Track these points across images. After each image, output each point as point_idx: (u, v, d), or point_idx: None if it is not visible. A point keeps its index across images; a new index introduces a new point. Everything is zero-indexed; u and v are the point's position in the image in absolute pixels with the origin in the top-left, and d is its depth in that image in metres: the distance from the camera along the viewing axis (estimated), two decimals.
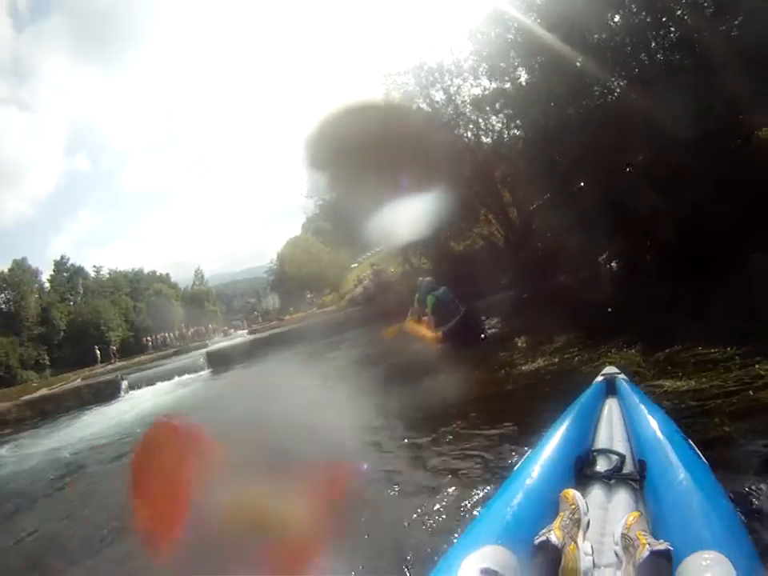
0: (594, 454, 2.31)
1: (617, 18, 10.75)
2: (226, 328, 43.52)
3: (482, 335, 9.12)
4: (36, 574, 4.29)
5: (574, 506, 1.75)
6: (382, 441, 4.96)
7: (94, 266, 55.22)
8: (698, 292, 7.25)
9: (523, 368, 6.24)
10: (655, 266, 10.84)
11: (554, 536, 1.58)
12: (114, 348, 34.65)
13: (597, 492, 2.05)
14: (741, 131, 9.79)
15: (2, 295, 44.78)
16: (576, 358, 5.84)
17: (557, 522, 1.67)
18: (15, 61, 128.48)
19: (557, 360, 6.07)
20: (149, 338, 38.08)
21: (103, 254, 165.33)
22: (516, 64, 13.02)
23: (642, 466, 2.09)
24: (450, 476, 3.68)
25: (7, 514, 5.97)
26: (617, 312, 7.50)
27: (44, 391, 20.05)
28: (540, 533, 1.62)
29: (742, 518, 1.78)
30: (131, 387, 17.27)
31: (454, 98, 16.71)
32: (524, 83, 13.21)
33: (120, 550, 3.97)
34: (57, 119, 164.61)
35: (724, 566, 1.39)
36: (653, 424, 2.34)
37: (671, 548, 1.49)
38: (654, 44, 10.52)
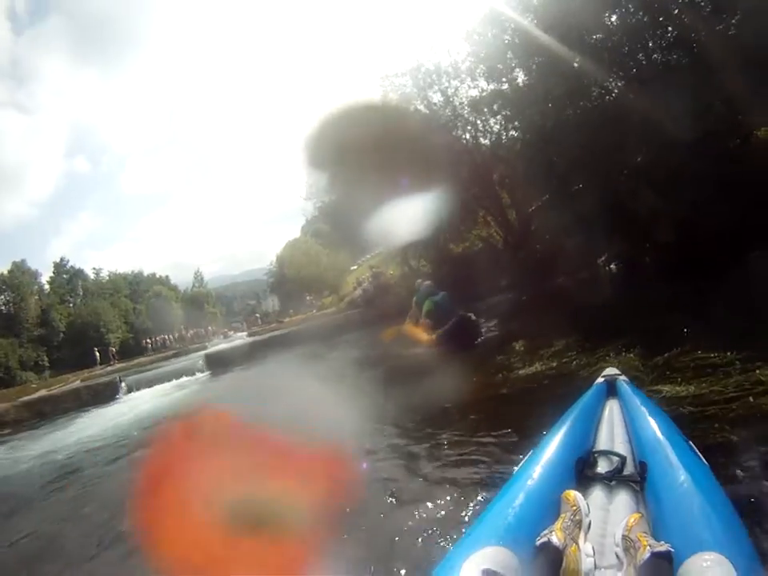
0: (595, 455, 2.32)
1: (614, 18, 10.75)
2: (225, 330, 43.58)
3: (477, 339, 9.14)
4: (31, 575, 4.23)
5: (575, 508, 1.76)
6: (382, 443, 4.92)
7: (94, 268, 55.43)
8: (698, 293, 7.24)
9: (520, 372, 6.20)
10: (655, 267, 10.81)
11: (556, 537, 1.58)
12: (114, 350, 34.73)
13: (598, 493, 2.06)
14: (740, 131, 9.78)
15: (2, 297, 44.91)
16: (574, 362, 5.79)
17: (558, 524, 1.67)
18: (14, 64, 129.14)
19: (555, 364, 6.02)
20: (148, 340, 38.13)
21: (103, 255, 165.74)
22: (513, 65, 13.00)
23: (642, 467, 2.09)
24: (451, 477, 3.67)
25: (3, 515, 5.92)
26: (616, 315, 7.45)
27: (43, 392, 20.00)
28: (541, 534, 1.63)
29: (743, 519, 1.75)
30: (130, 389, 17.20)
31: (451, 99, 16.72)
32: (521, 84, 13.20)
33: (117, 553, 3.91)
34: (56, 122, 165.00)
35: (725, 567, 1.40)
36: (653, 425, 2.35)
37: (672, 549, 1.49)
38: (651, 44, 10.50)
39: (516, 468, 2.25)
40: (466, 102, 16.39)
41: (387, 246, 23.37)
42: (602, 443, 2.48)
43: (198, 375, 17.49)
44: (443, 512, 3.17)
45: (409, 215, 14.37)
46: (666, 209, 9.82)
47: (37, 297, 47.11)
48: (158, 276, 60.46)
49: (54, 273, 51.26)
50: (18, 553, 4.61)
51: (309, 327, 21.15)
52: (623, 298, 9.21)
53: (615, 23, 10.69)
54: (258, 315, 47.21)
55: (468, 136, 17.26)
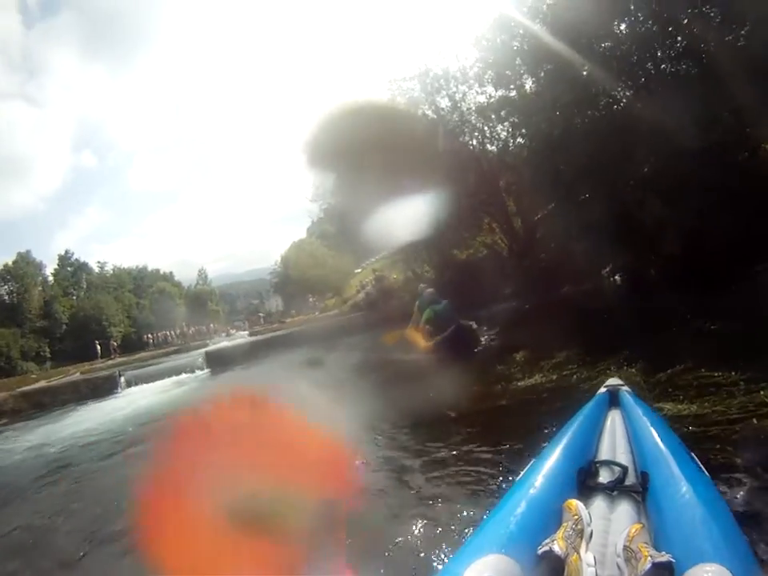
0: (597, 465, 2.31)
1: (623, 27, 10.66)
2: (228, 328, 43.76)
3: (475, 348, 9.26)
4: (19, 568, 4.19)
5: (576, 517, 1.76)
6: (382, 450, 4.91)
7: (99, 262, 55.54)
8: (703, 307, 7.16)
9: (520, 383, 6.17)
10: (659, 279, 10.73)
11: (557, 546, 1.58)
12: (115, 344, 34.75)
13: (599, 503, 2.05)
14: (748, 143, 9.71)
15: (6, 287, 45.11)
16: (575, 376, 5.76)
17: (560, 533, 1.66)
18: (24, 56, 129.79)
19: (555, 377, 5.99)
20: (150, 336, 38.20)
21: (108, 249, 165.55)
22: (522, 72, 12.92)
23: (644, 477, 2.08)
24: (451, 485, 3.67)
25: None
26: (619, 327, 7.36)
27: (42, 383, 20.14)
28: (543, 543, 1.63)
29: (744, 530, 1.74)
30: (129, 384, 17.29)
31: (459, 105, 16.66)
32: (529, 91, 13.15)
33: (105, 549, 3.96)
34: (64, 115, 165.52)
35: None
36: (655, 436, 2.35)
37: (673, 560, 1.49)
38: (660, 53, 10.42)
39: (518, 477, 2.23)
40: (473, 108, 16.32)
41: (391, 250, 23.39)
42: (603, 453, 2.47)
43: (198, 373, 17.54)
44: (444, 520, 3.16)
45: (413, 220, 14.35)
46: (673, 220, 9.76)
47: (40, 288, 47.28)
48: (162, 272, 60.58)
49: (58, 265, 51.48)
50: (6, 546, 4.59)
51: (310, 328, 21.21)
52: (627, 310, 9.12)
53: (625, 32, 10.60)
54: (261, 314, 47.22)
55: (475, 142, 17.20)
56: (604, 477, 2.21)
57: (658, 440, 2.30)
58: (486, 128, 16.61)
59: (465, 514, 3.17)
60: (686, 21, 9.76)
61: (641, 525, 1.76)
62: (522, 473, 2.24)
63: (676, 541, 1.62)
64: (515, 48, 12.41)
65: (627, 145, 9.91)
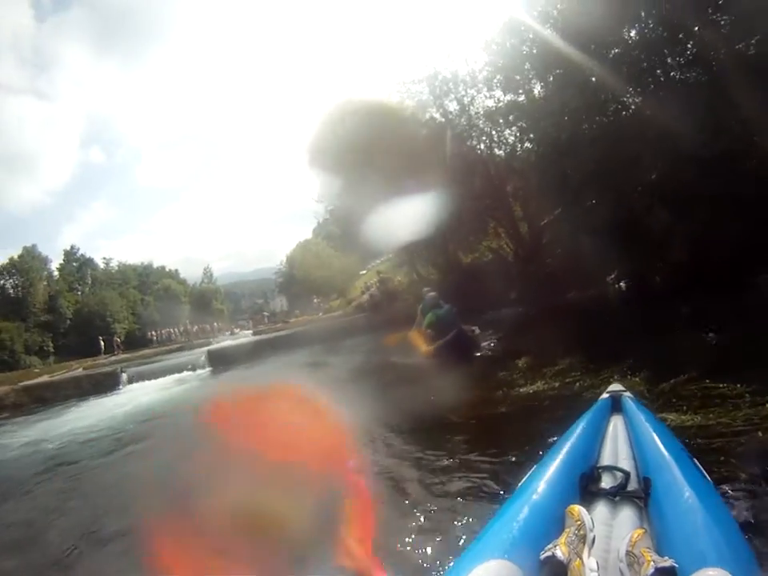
0: (599, 470, 2.29)
1: (633, 33, 10.64)
2: (232, 327, 43.88)
3: (474, 354, 9.24)
4: (12, 566, 4.16)
5: (579, 522, 1.75)
6: (381, 455, 4.86)
7: (104, 258, 55.94)
8: (708, 315, 7.12)
9: (521, 390, 6.13)
10: (664, 287, 10.68)
11: (560, 551, 1.57)
12: (119, 340, 34.70)
13: (601, 509, 2.04)
14: (756, 152, 9.65)
15: (11, 281, 45.29)
16: (577, 384, 5.73)
17: (562, 538, 1.66)
18: (35, 51, 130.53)
19: (557, 384, 5.96)
20: (153, 333, 38.23)
21: (114, 245, 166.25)
22: (530, 76, 12.92)
23: (646, 483, 2.08)
24: (453, 490, 3.64)
25: None
26: (623, 335, 7.31)
27: (45, 378, 20.10)
28: (546, 548, 1.62)
29: (746, 535, 1.76)
30: (130, 380, 17.27)
31: (467, 108, 16.59)
32: (538, 96, 13.14)
33: (101, 547, 3.94)
34: (74, 111, 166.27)
35: None
36: (658, 442, 2.35)
37: (676, 565, 1.49)
38: (670, 60, 10.40)
39: (520, 482, 2.21)
40: (481, 112, 16.27)
41: (396, 252, 23.40)
42: (606, 458, 2.46)
43: (200, 371, 17.49)
44: (446, 525, 3.14)
45: (418, 222, 14.32)
46: (680, 227, 9.72)
47: (45, 283, 47.52)
48: (167, 269, 60.88)
49: (63, 260, 51.81)
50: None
51: (314, 329, 21.18)
52: (631, 317, 9.07)
53: (635, 38, 10.58)
54: (266, 314, 47.22)
55: (482, 146, 17.17)
56: (606, 482, 2.20)
57: (661, 445, 2.30)
58: (493, 132, 16.58)
59: (466, 519, 3.14)
60: (696, 28, 9.71)
61: (643, 530, 1.75)
62: (524, 478, 2.23)
63: (679, 546, 1.62)
64: (524, 52, 12.40)
65: (635, 151, 9.88)
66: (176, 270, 61.89)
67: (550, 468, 2.17)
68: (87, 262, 53.21)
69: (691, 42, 10.08)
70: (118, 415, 10.83)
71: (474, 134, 16.95)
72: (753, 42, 9.33)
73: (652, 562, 1.50)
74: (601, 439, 2.65)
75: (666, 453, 2.21)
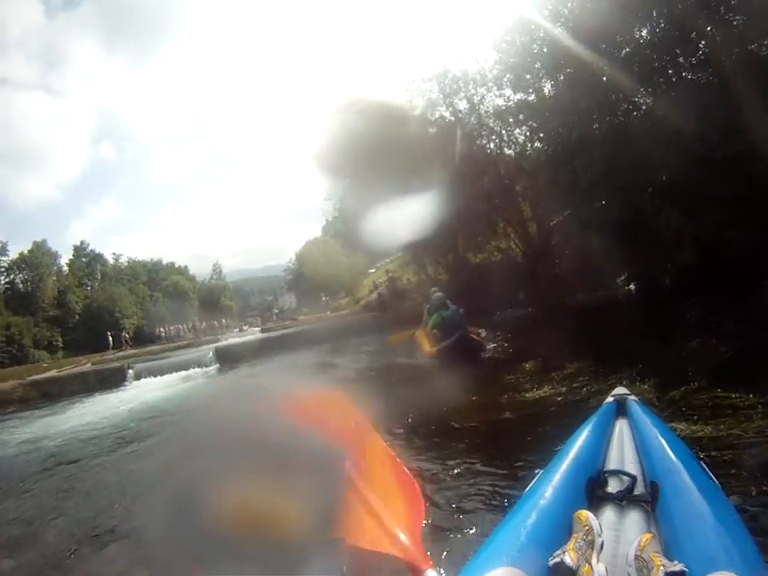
0: (606, 474, 2.29)
1: (644, 32, 10.54)
2: (241, 324, 44.11)
3: (476, 357, 9.20)
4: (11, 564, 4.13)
5: (587, 528, 1.75)
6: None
7: (114, 254, 56.44)
8: (719, 320, 7.03)
9: (527, 395, 6.07)
10: (674, 289, 10.58)
11: (569, 558, 1.56)
12: (127, 335, 34.79)
13: (608, 513, 2.04)
14: None
15: (21, 275, 45.69)
16: (585, 389, 5.65)
17: (571, 544, 1.65)
18: (45, 47, 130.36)
19: (564, 389, 5.89)
20: (162, 329, 38.31)
21: (124, 241, 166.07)
22: (541, 75, 12.85)
23: (653, 487, 2.07)
24: (458, 497, 3.57)
25: None
26: (633, 338, 7.22)
27: (53, 372, 20.26)
28: (554, 554, 1.60)
29: (755, 538, 1.71)
30: (137, 377, 17.33)
31: (477, 107, 16.53)
32: (548, 95, 13.09)
33: (105, 547, 3.91)
34: (84, 107, 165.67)
35: None
36: (664, 445, 2.34)
37: (686, 569, 1.49)
38: (682, 60, 10.29)
39: (526, 488, 2.19)
40: (491, 111, 16.21)
41: (405, 251, 23.38)
42: (612, 463, 2.46)
43: (206, 369, 17.53)
44: (452, 533, 3.09)
45: (427, 222, 14.26)
46: (691, 229, 9.63)
47: (55, 278, 48.00)
48: (177, 266, 61.27)
49: (73, 255, 52.33)
50: None
51: (321, 327, 21.18)
52: (641, 320, 8.99)
53: (646, 37, 10.48)
54: (276, 311, 47.35)
55: (492, 145, 17.15)
56: (613, 486, 2.20)
57: (667, 448, 2.29)
58: (503, 131, 16.55)
59: (473, 526, 3.11)
60: (708, 28, 9.60)
61: (651, 534, 1.74)
62: (530, 483, 2.20)
63: (687, 550, 1.61)
64: (535, 51, 12.33)
65: (646, 152, 9.76)
66: (185, 267, 62.41)
67: (557, 473, 2.16)
68: (97, 258, 53.67)
69: (703, 42, 9.97)
70: (122, 413, 10.86)
71: (483, 133, 16.91)
72: (766, 42, 9.23)
73: (662, 567, 1.49)
74: (606, 443, 2.64)
75: (672, 456, 2.20)
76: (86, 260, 52.66)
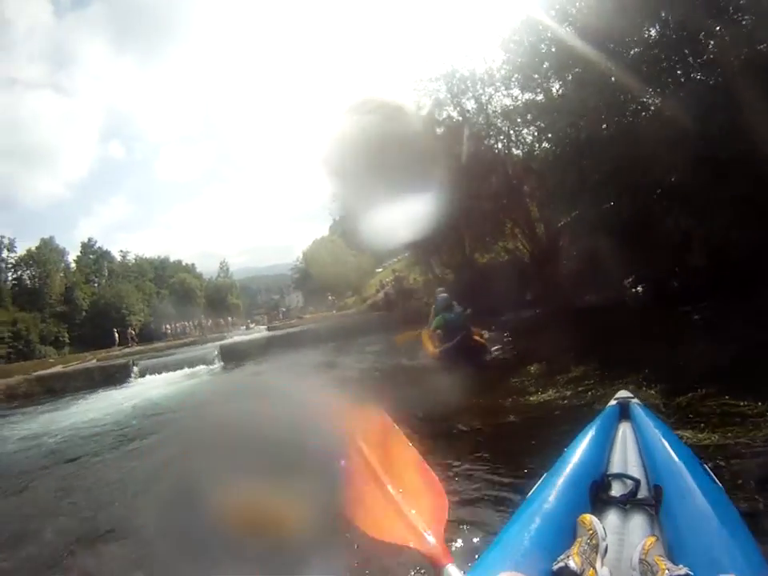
0: (609, 478, 2.28)
1: (653, 32, 10.47)
2: (248, 321, 44.22)
3: (478, 359, 9.16)
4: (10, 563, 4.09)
5: (591, 531, 1.74)
6: None
7: (121, 251, 56.86)
8: (726, 323, 6.99)
9: (532, 398, 6.01)
10: (682, 291, 10.50)
11: (573, 562, 1.56)
12: (133, 332, 34.92)
13: (612, 517, 2.03)
14: None
15: (28, 272, 46.00)
16: (590, 393, 5.59)
17: (575, 548, 1.65)
18: (55, 46, 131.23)
19: (569, 393, 5.83)
20: (168, 326, 38.40)
21: (131, 239, 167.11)
22: (549, 75, 12.82)
23: (657, 490, 2.07)
24: (462, 501, 3.53)
25: None
26: (640, 342, 7.15)
27: (59, 368, 20.36)
28: (558, 559, 1.61)
29: (759, 542, 1.70)
30: (142, 373, 17.39)
31: (485, 107, 16.43)
32: (556, 95, 13.04)
33: (105, 545, 3.89)
34: (93, 105, 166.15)
35: None
36: (667, 448, 2.33)
37: (691, 573, 1.48)
38: (690, 60, 10.21)
39: (530, 492, 2.17)
40: (499, 111, 16.12)
41: (412, 251, 23.37)
42: (615, 466, 2.44)
43: (211, 366, 17.56)
44: (455, 538, 3.03)
45: (434, 221, 14.22)
46: (699, 231, 9.56)
47: (62, 274, 48.35)
48: (184, 264, 61.49)
49: (81, 252, 52.72)
50: None
51: (326, 326, 21.15)
52: (648, 322, 8.93)
53: (654, 37, 10.41)
54: (282, 309, 47.41)
55: (500, 145, 17.09)
56: (616, 490, 2.18)
57: (670, 452, 2.28)
58: (511, 131, 16.48)
59: (476, 530, 3.09)
60: (717, 28, 9.51)
61: (655, 538, 1.73)
62: (533, 487, 2.19)
63: (692, 553, 1.62)
64: (543, 51, 12.30)
65: (654, 152, 9.68)
66: (192, 264, 62.77)
67: (560, 477, 2.15)
68: (104, 255, 54.06)
69: (712, 42, 9.89)
70: (125, 409, 10.89)
71: (491, 133, 16.84)
72: None
73: (666, 570, 1.49)
74: (609, 447, 2.62)
75: (675, 459, 2.20)
76: (94, 257, 53.06)
